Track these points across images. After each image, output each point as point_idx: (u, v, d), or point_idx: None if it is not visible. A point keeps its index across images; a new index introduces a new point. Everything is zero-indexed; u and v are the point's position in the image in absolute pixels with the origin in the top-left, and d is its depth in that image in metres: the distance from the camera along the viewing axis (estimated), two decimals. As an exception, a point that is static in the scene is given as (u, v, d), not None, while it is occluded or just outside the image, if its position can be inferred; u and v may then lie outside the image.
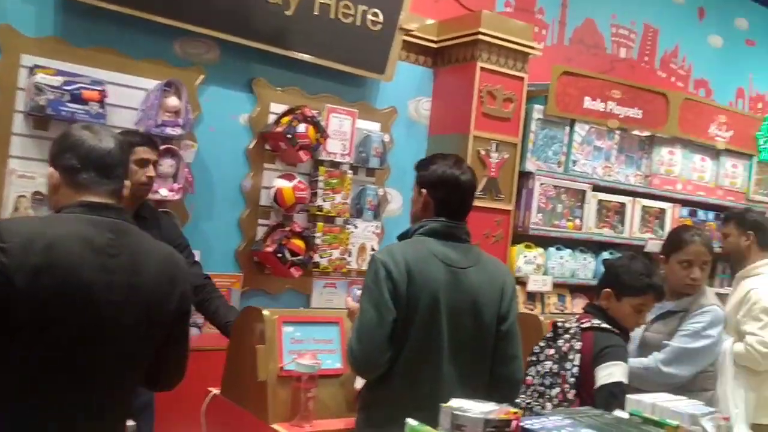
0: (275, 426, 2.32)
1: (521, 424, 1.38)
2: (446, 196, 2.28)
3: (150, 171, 2.85)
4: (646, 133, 5.13)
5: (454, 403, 1.43)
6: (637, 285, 2.64)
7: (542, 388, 2.56)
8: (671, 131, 5.15)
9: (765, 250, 3.43)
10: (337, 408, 2.50)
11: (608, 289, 2.68)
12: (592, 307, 2.75)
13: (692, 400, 1.69)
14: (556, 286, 4.64)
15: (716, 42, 6.31)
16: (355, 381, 2.47)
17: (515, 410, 1.40)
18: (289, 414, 2.37)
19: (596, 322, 2.61)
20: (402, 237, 2.35)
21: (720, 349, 2.91)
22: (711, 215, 5.45)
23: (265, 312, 2.45)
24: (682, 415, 1.46)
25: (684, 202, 5.28)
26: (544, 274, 4.59)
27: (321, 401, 2.42)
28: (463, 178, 2.30)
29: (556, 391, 2.51)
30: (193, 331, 3.42)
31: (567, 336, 2.59)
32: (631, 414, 1.53)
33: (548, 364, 2.57)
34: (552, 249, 4.67)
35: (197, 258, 3.29)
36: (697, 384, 2.83)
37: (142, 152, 2.83)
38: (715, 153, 5.50)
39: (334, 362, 2.53)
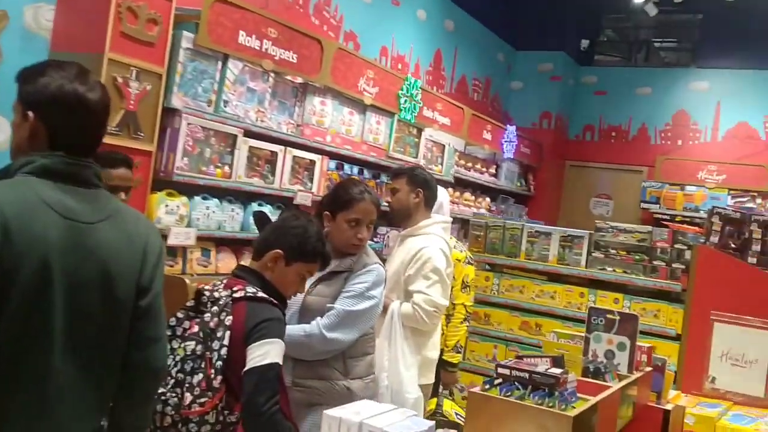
0: None
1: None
2: (66, 122, 1.64)
3: None
4: (300, 80, 4.89)
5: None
6: (312, 251, 2.34)
7: (181, 375, 2.08)
8: (324, 80, 4.99)
9: (428, 209, 3.41)
10: None
11: (279, 251, 2.31)
12: (245, 270, 2.34)
13: (402, 410, 1.39)
14: (200, 239, 4.15)
15: (367, -4, 6.37)
16: None
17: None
18: None
19: (251, 290, 2.22)
20: (-2, 177, 1.64)
21: (381, 309, 2.75)
22: (355, 169, 5.48)
23: None
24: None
25: (332, 155, 5.20)
26: (188, 225, 4.07)
27: None
28: (91, 96, 1.67)
29: (198, 377, 2.06)
30: None
31: (215, 309, 2.14)
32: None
33: (191, 344, 2.10)
34: (198, 198, 4.17)
35: None
36: (359, 348, 2.64)
37: None
38: (362, 108, 5.52)
39: None
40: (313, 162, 4.95)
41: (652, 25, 9.94)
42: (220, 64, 4.22)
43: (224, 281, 2.28)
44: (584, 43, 9.81)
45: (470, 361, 4.83)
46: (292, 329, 2.47)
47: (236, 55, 4.28)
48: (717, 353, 3.70)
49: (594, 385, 1.73)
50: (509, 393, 1.44)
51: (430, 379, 3.29)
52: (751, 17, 8.43)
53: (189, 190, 4.11)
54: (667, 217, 8.34)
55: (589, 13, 9.66)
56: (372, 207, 2.73)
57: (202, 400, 2.05)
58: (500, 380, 1.51)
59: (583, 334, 2.07)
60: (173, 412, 2.05)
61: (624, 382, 1.80)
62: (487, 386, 1.48)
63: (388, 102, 5.75)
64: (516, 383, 1.48)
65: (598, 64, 10.02)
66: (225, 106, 4.26)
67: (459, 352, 4.02)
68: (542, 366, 1.55)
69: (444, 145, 6.89)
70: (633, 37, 10.42)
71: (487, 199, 8.03)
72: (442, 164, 6.89)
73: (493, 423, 1.37)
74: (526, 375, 1.49)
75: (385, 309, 3.00)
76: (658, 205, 8.68)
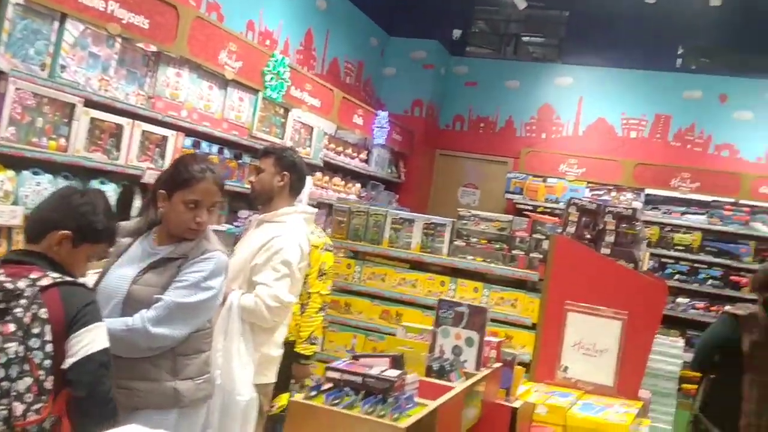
0: None
1: None
2: None
3: None
4: (153, 48, 4.50)
5: None
6: (101, 229, 2.09)
7: (7, 383, 1.78)
8: (180, 50, 4.63)
9: (293, 196, 3.16)
10: None
11: (67, 232, 2.02)
12: (30, 254, 2.03)
13: None
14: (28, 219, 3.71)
15: (232, -34, 6.00)
16: None
17: None
18: None
19: (55, 275, 1.94)
20: None
21: (220, 300, 2.49)
22: (215, 148, 5.16)
23: None
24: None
25: (188, 131, 4.84)
26: (14, 203, 3.62)
27: None
28: None
29: (26, 383, 1.78)
30: None
31: (23, 302, 1.84)
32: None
33: (12, 346, 1.80)
34: (27, 173, 3.72)
35: None
36: (192, 345, 2.37)
37: None
38: (223, 82, 5.20)
39: None
40: (165, 138, 4.58)
41: (521, 19, 10.15)
42: (56, 24, 3.79)
43: (3, 270, 1.95)
44: (456, 33, 9.86)
45: (328, 352, 4.65)
46: (113, 323, 2.17)
47: (76, 15, 3.85)
48: (570, 342, 3.74)
49: (437, 386, 1.59)
50: (337, 400, 1.26)
51: (270, 378, 3.01)
52: (615, 17, 8.78)
53: (16, 163, 3.66)
54: (530, 208, 8.55)
55: (462, 3, 9.71)
56: (214, 188, 2.45)
57: (37, 406, 1.80)
58: (330, 385, 1.32)
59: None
60: (4, 427, 1.76)
61: (470, 381, 1.67)
62: (313, 392, 1.28)
63: (252, 78, 5.44)
64: (347, 388, 1.30)
65: (470, 55, 10.12)
66: (62, 72, 3.83)
67: (313, 344, 3.83)
68: (378, 367, 1.38)
69: (313, 128, 6.67)
70: (503, 30, 10.62)
71: (358, 185, 7.90)
72: (310, 147, 6.66)
73: (316, 437, 1.18)
74: (359, 379, 1.31)
75: (225, 299, 2.72)
76: (521, 196, 8.89)
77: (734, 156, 8.69)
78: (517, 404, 1.98)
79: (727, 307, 3.98)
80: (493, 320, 4.31)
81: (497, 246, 4.51)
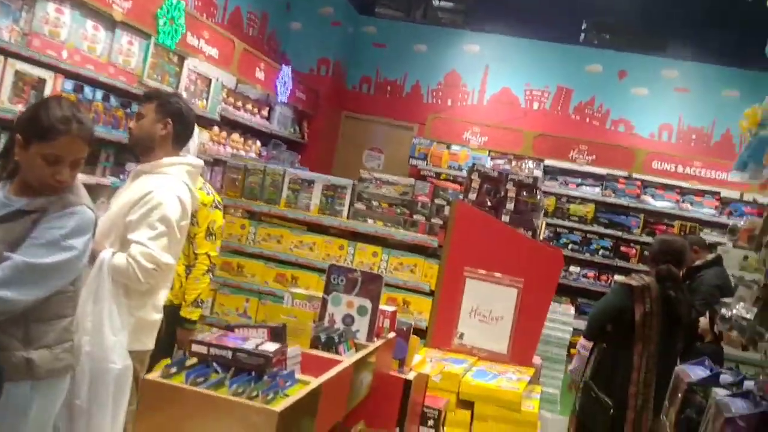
0: None
1: None
2: None
3: None
4: (29, -21, 4.05)
5: None
6: None
7: None
8: (61, -16, 4.19)
9: (178, 147, 2.85)
10: None
11: None
12: None
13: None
14: None
15: None
16: None
17: None
18: None
19: None
20: None
21: (85, 262, 2.20)
22: (99, 94, 4.74)
23: None
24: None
25: (68, 74, 4.42)
26: None
27: None
28: None
29: None
30: None
31: None
32: None
33: None
34: None
35: None
36: (51, 310, 2.09)
37: None
38: (111, 23, 4.77)
39: None
40: (42, 80, 4.16)
41: (431, -18, 10.00)
42: None
43: None
44: (366, -9, 9.61)
45: (219, 315, 4.43)
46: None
47: (-67, -69, 3.38)
48: (467, 309, 3.70)
49: (324, 360, 1.43)
50: (201, 379, 1.08)
51: (148, 345, 2.75)
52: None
53: None
54: (433, 174, 8.53)
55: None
56: (79, 143, 2.13)
57: None
58: (195, 361, 1.14)
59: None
60: None
61: (360, 354, 1.53)
62: (174, 369, 1.10)
63: (143, 21, 5.04)
64: (215, 365, 1.12)
65: (379, 16, 9.90)
66: None
67: (199, 307, 3.59)
68: (254, 340, 1.21)
69: (210, 79, 6.30)
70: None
71: (258, 143, 7.59)
72: (207, 100, 6.30)
73: (173, 422, 1.00)
74: (229, 354, 1.13)
75: (94, 258, 2.44)
76: (425, 162, 8.84)
77: (630, 131, 8.95)
78: (410, 376, 1.87)
79: (620, 278, 4.04)
80: (391, 285, 4.24)
81: (398, 211, 4.40)
